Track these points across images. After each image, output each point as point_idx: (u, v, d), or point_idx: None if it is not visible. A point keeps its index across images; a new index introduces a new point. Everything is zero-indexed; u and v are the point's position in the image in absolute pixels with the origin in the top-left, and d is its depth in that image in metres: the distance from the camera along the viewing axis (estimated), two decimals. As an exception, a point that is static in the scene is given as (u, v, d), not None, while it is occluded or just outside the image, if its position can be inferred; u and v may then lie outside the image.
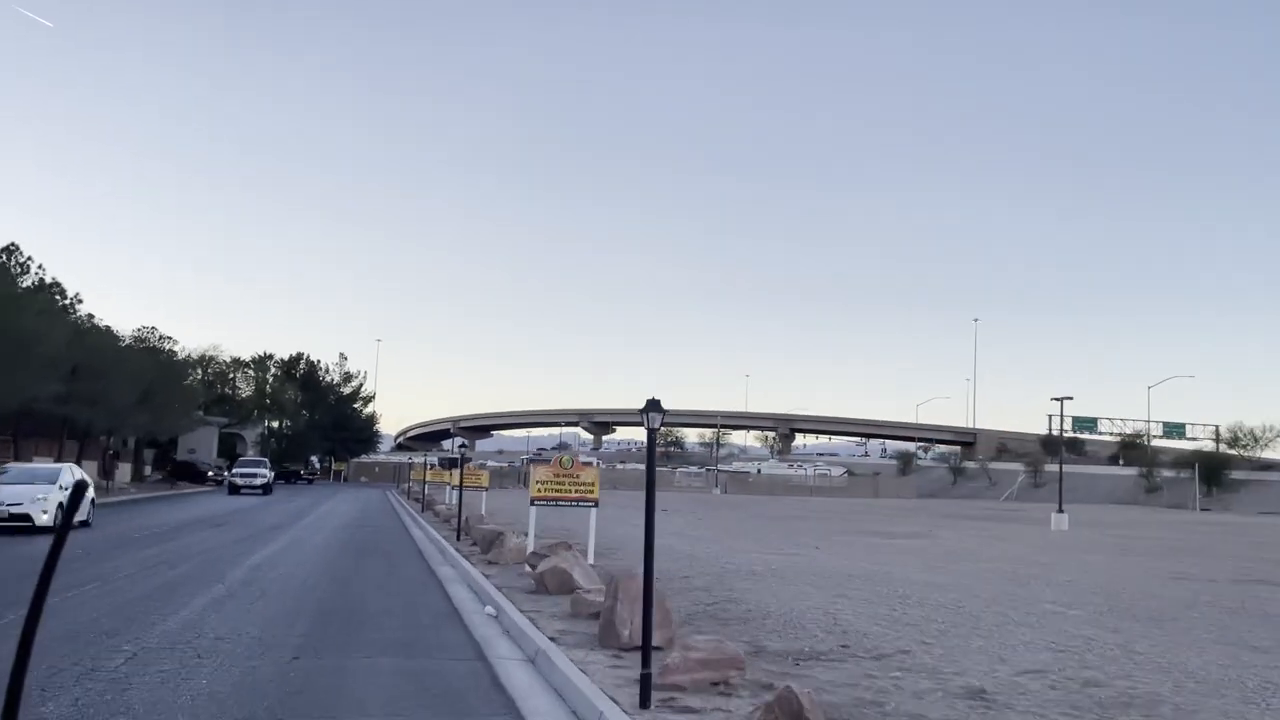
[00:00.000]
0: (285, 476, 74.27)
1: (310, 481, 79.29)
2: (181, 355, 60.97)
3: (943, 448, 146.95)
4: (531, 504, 17.12)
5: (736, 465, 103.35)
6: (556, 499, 17.18)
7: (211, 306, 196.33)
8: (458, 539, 23.36)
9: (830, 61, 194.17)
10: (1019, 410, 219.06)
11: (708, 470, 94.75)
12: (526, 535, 18.57)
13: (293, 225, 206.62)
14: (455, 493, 42.14)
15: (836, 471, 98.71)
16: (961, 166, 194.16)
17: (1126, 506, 72.98)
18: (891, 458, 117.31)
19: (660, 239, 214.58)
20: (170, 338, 59.44)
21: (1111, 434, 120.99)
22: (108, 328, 52.84)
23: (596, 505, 17.42)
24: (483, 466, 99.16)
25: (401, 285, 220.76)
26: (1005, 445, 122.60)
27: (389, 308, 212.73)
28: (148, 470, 68.56)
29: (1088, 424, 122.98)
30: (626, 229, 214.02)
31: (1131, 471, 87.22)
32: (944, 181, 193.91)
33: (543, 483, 17.21)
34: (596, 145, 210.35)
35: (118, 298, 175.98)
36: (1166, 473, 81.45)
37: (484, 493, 32.15)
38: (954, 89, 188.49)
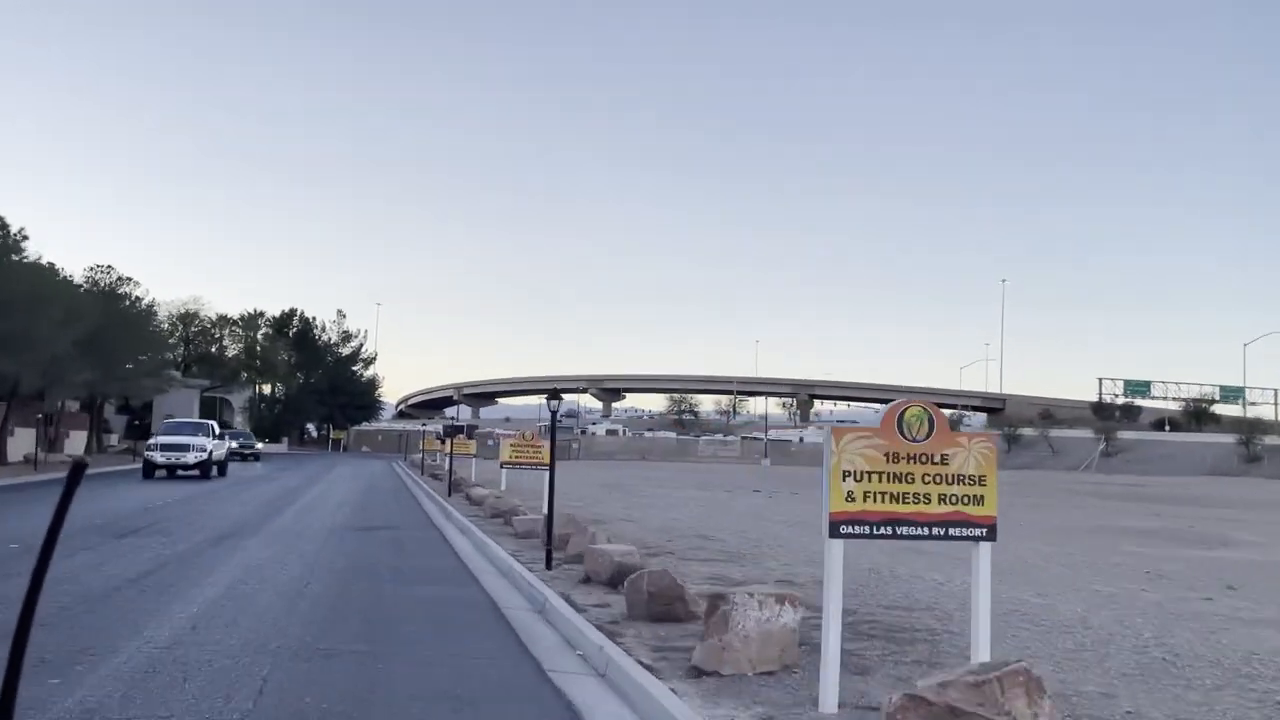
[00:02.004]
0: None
1: (255, 459, 52.57)
2: (146, 301, 49.77)
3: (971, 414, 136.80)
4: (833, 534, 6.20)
5: (774, 433, 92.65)
6: (900, 521, 6.37)
7: (201, 270, 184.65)
8: (548, 566, 12.59)
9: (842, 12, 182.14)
10: (1046, 375, 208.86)
11: (743, 439, 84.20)
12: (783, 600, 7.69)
13: (287, 185, 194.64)
14: (475, 465, 31.55)
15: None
16: (978, 119, 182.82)
17: (1235, 479, 62.61)
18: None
19: (668, 199, 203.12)
20: (130, 279, 48.27)
21: (1168, 398, 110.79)
22: (51, 264, 41.88)
23: (988, 538, 6.63)
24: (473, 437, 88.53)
25: (401, 248, 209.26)
26: (1050, 411, 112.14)
27: (388, 271, 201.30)
28: (113, 440, 57.70)
29: (1140, 388, 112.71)
30: (632, 189, 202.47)
31: (1220, 439, 76.79)
32: (963, 137, 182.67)
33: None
34: (603, 104, 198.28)
35: (102, 252, 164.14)
36: (1269, 440, 71.18)
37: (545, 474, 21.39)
38: (979, 40, 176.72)
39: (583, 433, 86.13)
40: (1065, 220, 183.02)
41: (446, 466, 36.23)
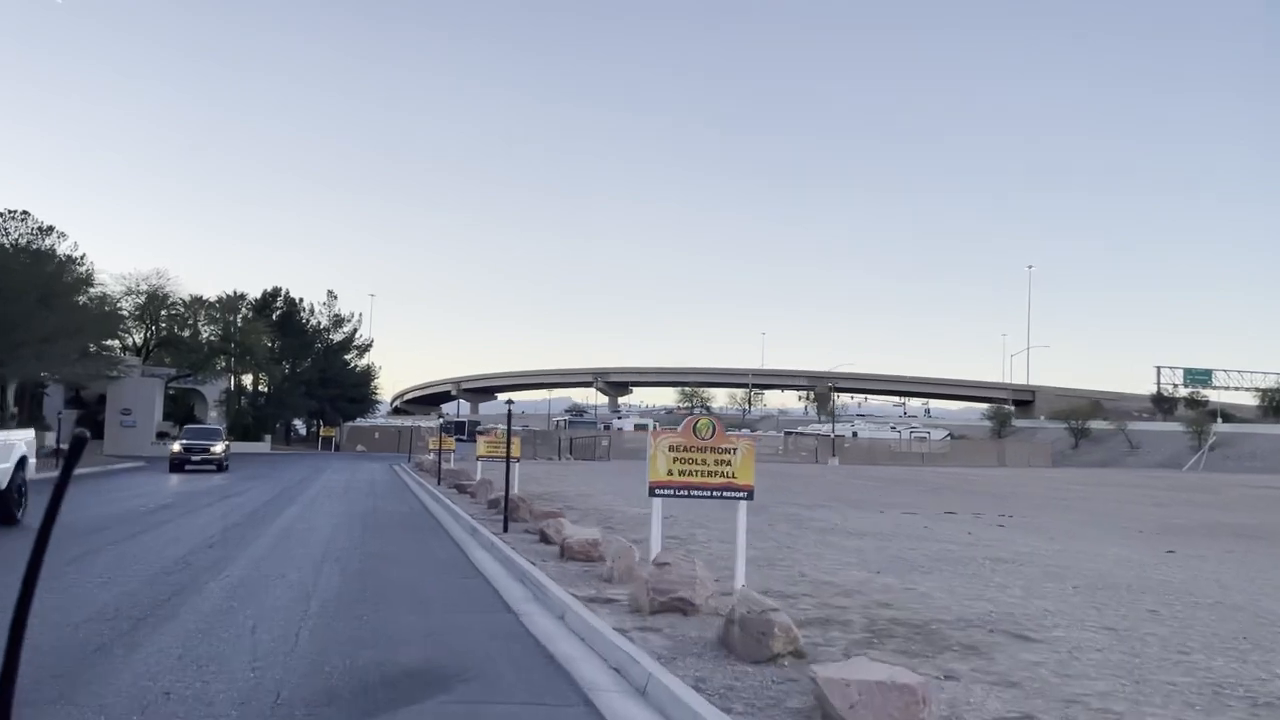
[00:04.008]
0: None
1: (219, 467, 34.79)
2: (79, 260, 37.82)
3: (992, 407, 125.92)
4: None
5: (816, 427, 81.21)
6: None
7: (187, 262, 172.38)
8: None
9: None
10: (1073, 367, 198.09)
11: (786, 434, 72.84)
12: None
13: (278, 177, 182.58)
14: (517, 472, 20.11)
15: (937, 434, 77.13)
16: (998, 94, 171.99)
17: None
18: (987, 417, 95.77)
19: (676, 188, 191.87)
20: (53, 229, 36.42)
21: (1229, 387, 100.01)
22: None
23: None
24: (483, 433, 75.64)
25: (396, 238, 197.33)
26: (1099, 403, 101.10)
27: (382, 262, 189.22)
28: (51, 439, 45.71)
29: (1201, 376, 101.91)
30: (637, 181, 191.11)
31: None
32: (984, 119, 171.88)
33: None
34: (609, 96, 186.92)
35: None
36: None
37: (744, 507, 9.97)
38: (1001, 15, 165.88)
39: (606, 428, 74.59)
40: (1090, 211, 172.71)
41: (478, 475, 24.95)
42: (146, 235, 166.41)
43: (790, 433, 73.67)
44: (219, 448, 35.11)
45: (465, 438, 56.77)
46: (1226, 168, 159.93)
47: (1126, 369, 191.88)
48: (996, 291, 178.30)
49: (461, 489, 25.78)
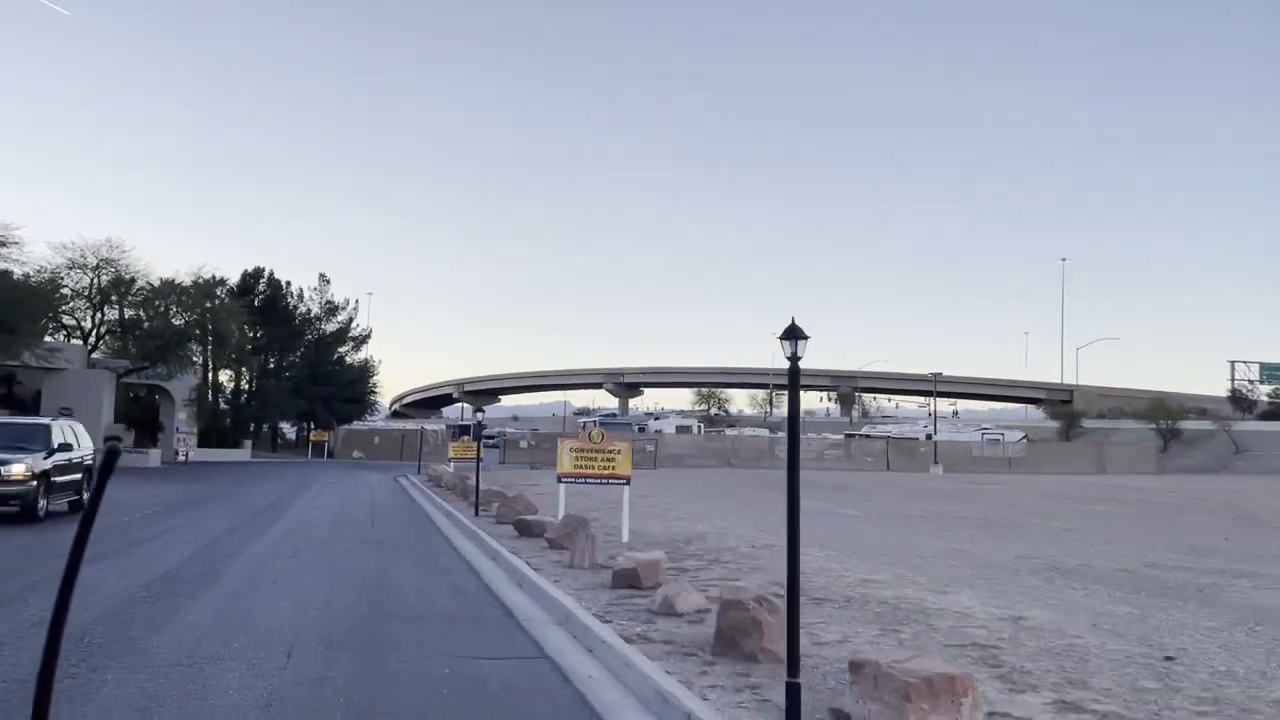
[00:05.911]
0: None
1: (31, 511, 15.54)
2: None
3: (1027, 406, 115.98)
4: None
5: (880, 430, 70.67)
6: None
7: (175, 260, 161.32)
8: None
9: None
10: (1107, 366, 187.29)
11: (849, 437, 62.19)
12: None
13: (272, 164, 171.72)
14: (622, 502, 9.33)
15: (1012, 436, 66.66)
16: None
17: None
18: (1053, 417, 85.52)
19: (686, 181, 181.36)
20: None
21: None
22: None
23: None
24: (492, 437, 64.80)
25: (392, 236, 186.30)
26: (1166, 403, 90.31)
27: (378, 260, 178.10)
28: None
29: (1278, 372, 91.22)
30: (646, 172, 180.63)
31: None
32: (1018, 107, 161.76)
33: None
34: (621, 89, 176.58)
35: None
36: None
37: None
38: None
39: (640, 430, 63.90)
40: (1119, 203, 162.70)
41: (561, 510, 14.32)
42: (136, 230, 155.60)
43: (852, 435, 63.05)
44: (22, 467, 15.59)
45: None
46: (1234, 162, 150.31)
47: (1163, 366, 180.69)
48: (1018, 288, 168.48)
49: (524, 528, 15.15)
